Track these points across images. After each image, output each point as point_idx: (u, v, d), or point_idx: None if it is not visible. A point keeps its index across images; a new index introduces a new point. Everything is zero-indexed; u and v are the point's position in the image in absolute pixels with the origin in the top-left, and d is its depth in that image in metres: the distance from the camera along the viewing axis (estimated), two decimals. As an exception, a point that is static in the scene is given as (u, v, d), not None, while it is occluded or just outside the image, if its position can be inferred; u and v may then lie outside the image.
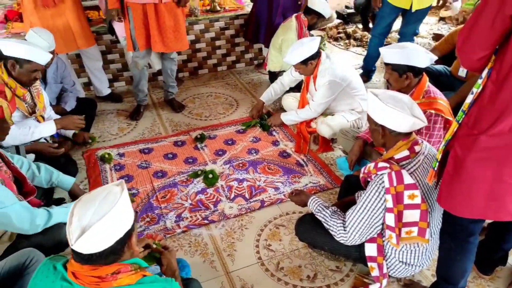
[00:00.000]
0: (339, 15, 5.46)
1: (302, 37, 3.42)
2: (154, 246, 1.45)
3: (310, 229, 1.89)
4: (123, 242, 1.08)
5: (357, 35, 4.90)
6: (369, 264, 1.75)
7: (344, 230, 1.68)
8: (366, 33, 4.92)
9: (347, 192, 2.13)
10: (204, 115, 3.37)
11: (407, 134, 1.61)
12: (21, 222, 1.64)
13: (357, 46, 4.77)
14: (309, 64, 2.69)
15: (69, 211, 1.05)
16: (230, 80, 4.00)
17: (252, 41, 4.00)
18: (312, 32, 3.87)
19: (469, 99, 1.30)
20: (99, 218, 1.00)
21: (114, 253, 1.07)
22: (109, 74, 3.72)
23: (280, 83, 3.17)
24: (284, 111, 3.17)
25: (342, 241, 1.70)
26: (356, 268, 1.96)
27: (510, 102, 1.19)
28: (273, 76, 3.62)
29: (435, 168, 1.45)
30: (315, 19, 3.44)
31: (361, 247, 1.77)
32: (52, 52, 2.51)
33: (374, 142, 1.74)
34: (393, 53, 2.02)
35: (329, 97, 2.75)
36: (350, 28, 5.11)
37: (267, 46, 3.87)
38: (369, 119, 1.67)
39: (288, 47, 3.36)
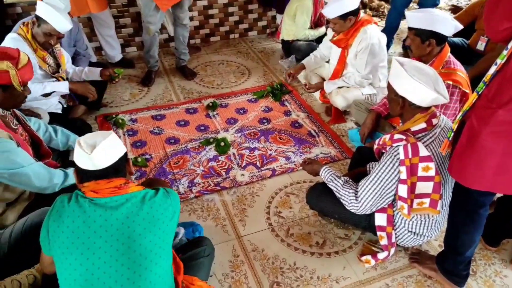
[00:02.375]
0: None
1: (318, 7, 3.33)
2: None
3: (321, 198, 1.92)
4: (124, 160, 1.32)
5: (374, 5, 4.76)
6: (378, 233, 1.79)
7: (356, 200, 1.70)
8: (383, 2, 4.78)
9: (358, 164, 2.15)
10: (215, 83, 3.36)
11: (427, 108, 1.60)
12: (40, 181, 1.69)
13: (374, 16, 4.64)
14: (348, 20, 2.54)
15: (76, 146, 1.24)
16: (242, 48, 3.95)
17: (265, 4, 3.90)
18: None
19: (492, 69, 1.28)
20: (103, 139, 1.24)
21: (119, 169, 1.29)
22: (120, 39, 3.68)
23: (318, 52, 3.00)
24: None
25: (353, 211, 1.74)
26: (364, 236, 2.01)
27: None
28: (286, 45, 3.55)
29: (450, 138, 1.45)
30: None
31: (370, 216, 1.80)
32: (68, 14, 2.49)
33: (391, 111, 1.72)
34: (419, 17, 1.97)
35: (375, 62, 2.61)
36: (366, -3, 4.95)
37: (280, 12, 3.78)
38: (389, 87, 1.64)
39: (303, 13, 3.31)
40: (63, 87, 2.45)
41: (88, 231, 1.19)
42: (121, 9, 3.57)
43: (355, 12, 2.54)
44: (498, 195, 1.91)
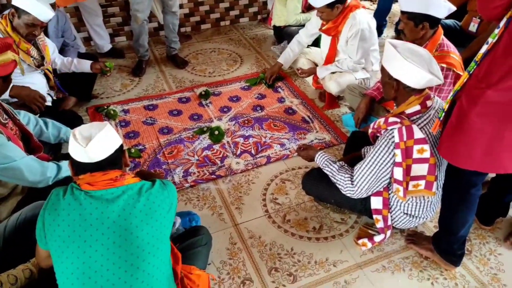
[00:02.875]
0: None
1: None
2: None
3: (316, 183, 1.93)
4: (120, 152, 1.30)
5: (365, -12, 4.70)
6: (374, 216, 1.80)
7: (352, 184, 1.70)
8: (374, -14, 4.72)
9: (353, 148, 2.15)
10: (208, 71, 3.32)
11: (421, 90, 1.59)
12: (32, 174, 1.66)
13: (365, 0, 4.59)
14: (335, 8, 2.50)
15: (70, 139, 1.22)
16: (234, 35, 3.90)
17: None
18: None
19: (483, 49, 1.27)
20: (99, 131, 1.22)
21: (115, 162, 1.27)
22: (109, 28, 3.62)
23: (297, 41, 2.96)
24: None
25: (349, 195, 1.74)
26: (360, 220, 2.02)
27: None
28: (278, 31, 3.52)
29: (441, 118, 1.45)
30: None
31: (366, 200, 1.81)
32: (53, 5, 2.41)
33: (385, 95, 1.71)
34: (412, 0, 1.95)
35: (366, 47, 2.61)
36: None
37: (271, -2, 3.73)
38: (383, 71, 1.63)
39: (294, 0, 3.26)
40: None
41: (84, 224, 1.17)
42: (108, -2, 3.50)
43: (342, 0, 2.51)
44: (491, 175, 1.93)
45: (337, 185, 1.76)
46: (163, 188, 1.29)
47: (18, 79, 2.16)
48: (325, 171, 1.80)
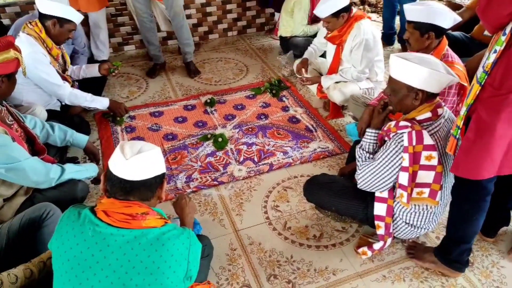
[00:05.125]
0: (354, -20, 5.28)
1: (315, 4, 3.33)
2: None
3: (318, 189, 1.93)
4: (159, 181, 1.20)
5: (372, 1, 4.75)
6: (376, 222, 1.78)
7: (359, 170, 1.73)
8: (381, -2, 4.77)
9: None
10: (214, 80, 3.36)
11: (434, 97, 1.60)
12: (36, 175, 1.69)
13: (372, 12, 4.63)
14: (341, 17, 2.54)
15: (117, 149, 1.17)
16: (241, 45, 3.95)
17: (262, 5, 3.91)
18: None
19: (492, 58, 1.26)
20: (150, 149, 1.16)
21: (150, 189, 1.18)
22: (118, 37, 3.70)
23: (316, 46, 3.03)
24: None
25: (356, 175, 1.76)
26: (361, 229, 2.01)
27: None
28: (285, 41, 3.56)
29: (457, 136, 1.41)
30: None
31: (368, 208, 1.80)
32: None
33: (403, 109, 1.65)
34: (418, 10, 1.96)
35: (370, 57, 2.63)
36: (364, -7, 4.94)
37: (277, 10, 3.79)
38: (398, 85, 1.58)
39: (300, 10, 3.31)
40: (101, 104, 2.57)
41: (84, 264, 1.10)
42: (119, 8, 3.59)
43: (347, 9, 2.54)
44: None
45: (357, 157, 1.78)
46: (185, 248, 1.15)
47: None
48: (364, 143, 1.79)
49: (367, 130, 1.80)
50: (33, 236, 1.61)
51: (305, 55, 3.06)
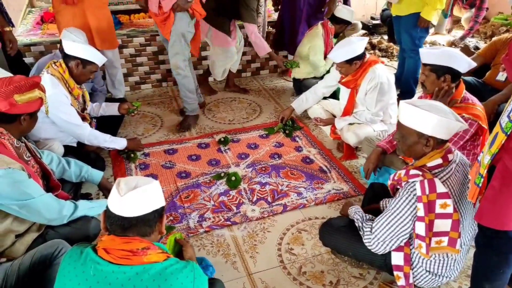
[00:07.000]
0: (365, 26, 5.46)
1: (328, 44, 3.43)
2: (178, 237, 1.51)
3: (334, 233, 1.87)
4: (158, 215, 1.18)
5: (382, 46, 4.87)
6: (395, 273, 1.72)
7: (370, 232, 1.66)
8: (391, 44, 4.90)
9: (372, 200, 2.11)
10: (227, 119, 3.41)
11: (444, 143, 1.59)
12: (49, 212, 1.69)
13: (382, 56, 4.74)
14: (354, 64, 2.60)
15: (114, 185, 1.15)
16: (254, 86, 4.04)
17: (277, 47, 4.03)
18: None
19: None
20: (145, 184, 1.14)
21: (148, 224, 1.16)
22: (136, 76, 3.81)
23: (313, 91, 3.08)
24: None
25: (367, 245, 1.68)
26: (380, 276, 1.93)
27: None
28: (298, 83, 3.63)
29: (480, 185, 1.37)
30: (343, 27, 3.44)
31: (386, 254, 1.74)
32: None
33: (414, 155, 1.65)
34: (434, 53, 2.00)
35: (385, 100, 2.67)
36: (375, 39, 5.09)
37: (291, 53, 3.90)
38: (409, 132, 1.58)
39: (317, 53, 3.40)
40: (119, 145, 2.64)
41: None
42: (138, 48, 3.72)
43: (360, 56, 2.60)
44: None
45: (360, 232, 1.72)
46: (190, 282, 1.12)
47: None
48: (354, 217, 1.79)
49: (349, 212, 1.84)
50: (44, 275, 1.57)
51: (293, 104, 3.14)
